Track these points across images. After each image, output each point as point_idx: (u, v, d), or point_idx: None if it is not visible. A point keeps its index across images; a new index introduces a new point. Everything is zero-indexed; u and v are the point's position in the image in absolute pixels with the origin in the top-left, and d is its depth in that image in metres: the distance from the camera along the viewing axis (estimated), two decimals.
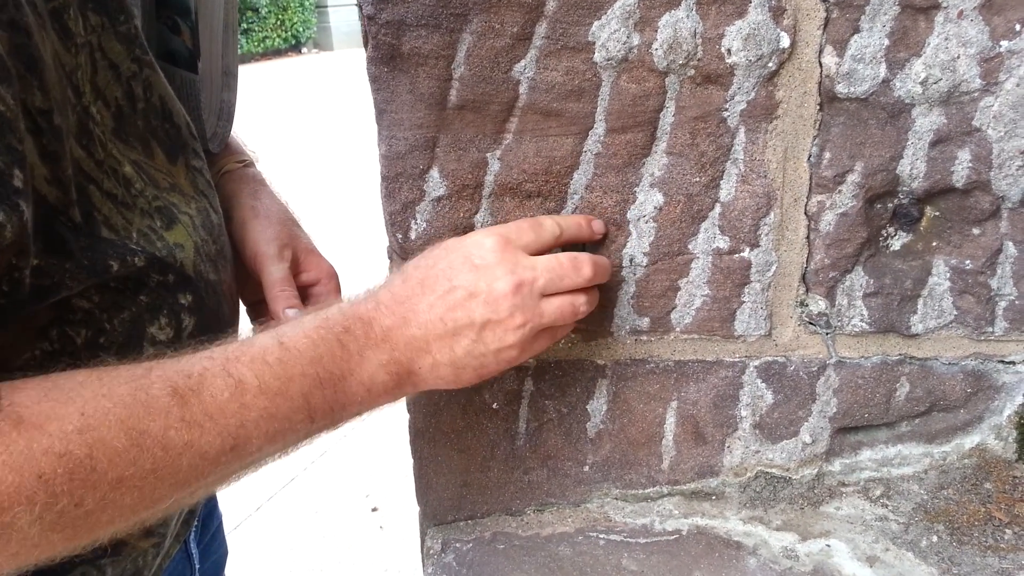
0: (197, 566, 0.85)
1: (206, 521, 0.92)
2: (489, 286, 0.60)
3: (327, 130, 8.08)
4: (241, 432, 0.50)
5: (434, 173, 0.70)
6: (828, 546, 0.72)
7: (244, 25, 15.36)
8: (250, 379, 0.51)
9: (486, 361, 0.61)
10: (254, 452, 0.52)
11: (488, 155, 0.70)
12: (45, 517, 0.42)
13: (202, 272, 0.65)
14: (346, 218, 4.81)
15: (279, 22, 16.21)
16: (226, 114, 0.83)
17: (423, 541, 0.83)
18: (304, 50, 17.18)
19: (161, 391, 0.48)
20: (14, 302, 0.49)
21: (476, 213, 0.72)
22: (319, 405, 0.55)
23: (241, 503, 2.58)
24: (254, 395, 0.51)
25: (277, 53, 16.37)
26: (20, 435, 0.41)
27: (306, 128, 8.33)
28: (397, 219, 0.72)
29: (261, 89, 11.29)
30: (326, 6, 17.28)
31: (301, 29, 16.85)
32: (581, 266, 0.64)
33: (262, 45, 15.81)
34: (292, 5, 16.43)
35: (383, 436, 2.91)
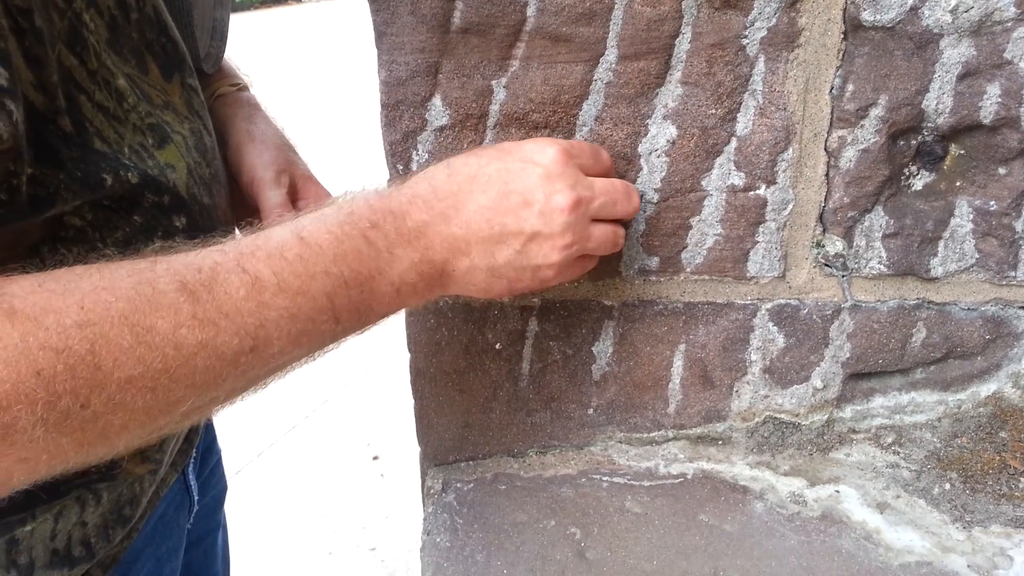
0: (196, 498, 0.84)
1: (205, 455, 0.91)
2: (547, 197, 0.56)
3: (327, 78, 7.97)
4: (261, 332, 0.47)
5: (436, 101, 0.67)
6: (837, 492, 0.71)
7: None
8: (268, 276, 0.47)
9: (523, 275, 0.58)
10: (277, 355, 0.49)
11: (493, 83, 0.66)
12: (49, 418, 0.39)
13: (196, 195, 0.63)
14: (346, 166, 4.76)
15: None
16: (219, 33, 0.80)
17: (423, 481, 0.82)
18: None
19: (168, 286, 0.44)
20: (12, 211, 0.47)
21: (480, 144, 0.69)
22: (344, 305, 0.51)
23: (243, 448, 2.59)
24: (273, 294, 0.47)
25: (277, 1, 16.09)
26: (14, 328, 0.38)
27: (306, 76, 8.21)
28: (398, 149, 0.69)
29: (261, 37, 11.12)
30: None
31: None
32: (632, 195, 0.61)
33: None
34: None
35: (385, 385, 2.91)
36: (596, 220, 0.60)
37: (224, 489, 0.99)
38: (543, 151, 0.58)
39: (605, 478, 0.76)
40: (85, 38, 0.54)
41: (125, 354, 0.41)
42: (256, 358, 0.47)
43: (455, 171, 0.57)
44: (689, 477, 0.75)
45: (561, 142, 0.59)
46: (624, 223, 0.71)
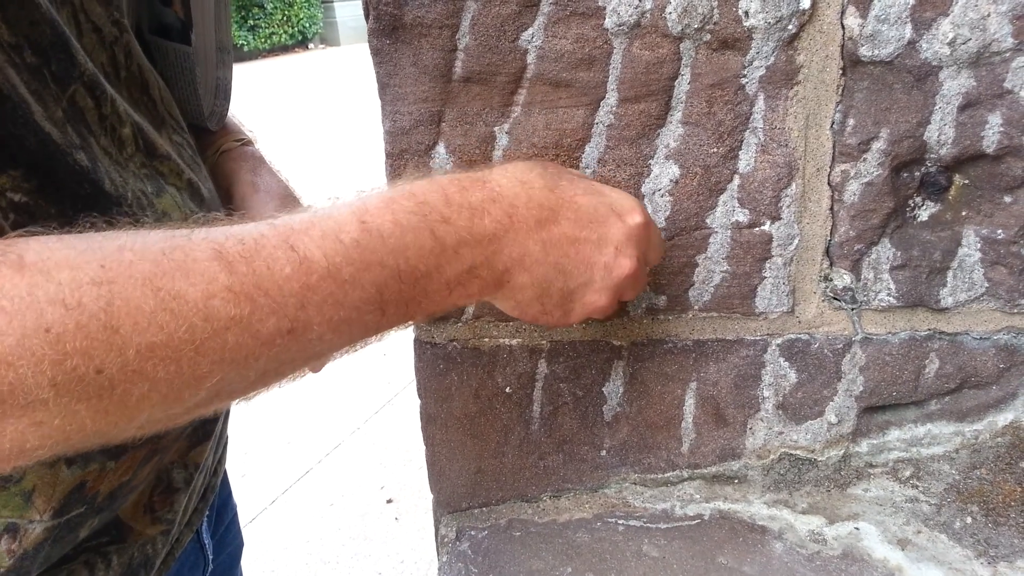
0: (211, 557, 0.83)
1: (220, 512, 0.90)
2: (616, 256, 0.56)
3: (335, 125, 8.07)
4: (301, 315, 0.43)
5: (440, 149, 0.68)
6: (857, 529, 0.70)
7: (250, 22, 15.38)
8: (318, 258, 0.44)
9: (554, 311, 0.57)
10: (315, 341, 0.45)
11: (496, 129, 0.67)
12: (58, 379, 0.36)
13: None
14: None
15: (285, 18, 16.22)
16: (223, 92, 0.81)
17: (437, 529, 0.81)
18: (311, 46, 17.17)
19: (203, 254, 0.41)
20: None
21: None
22: (393, 299, 0.47)
23: (256, 496, 2.57)
24: (320, 277, 0.43)
25: (284, 49, 16.37)
26: (21, 279, 0.36)
27: (314, 123, 8.31)
28: None
29: (269, 85, 11.29)
30: (332, 1, 17.27)
31: (307, 25, 16.84)
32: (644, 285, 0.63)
33: (269, 41, 15.81)
34: (298, 1, 16.42)
35: (397, 428, 2.90)
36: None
37: (240, 546, 0.98)
38: (632, 213, 0.58)
39: (621, 521, 0.75)
40: (103, 84, 0.55)
41: (146, 318, 0.38)
42: (293, 342, 0.44)
43: (552, 184, 0.56)
44: (706, 518, 0.74)
45: (646, 211, 0.59)
46: None
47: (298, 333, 0.43)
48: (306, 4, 16.68)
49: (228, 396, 0.45)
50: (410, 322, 0.51)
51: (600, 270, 0.56)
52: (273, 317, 0.42)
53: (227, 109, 0.85)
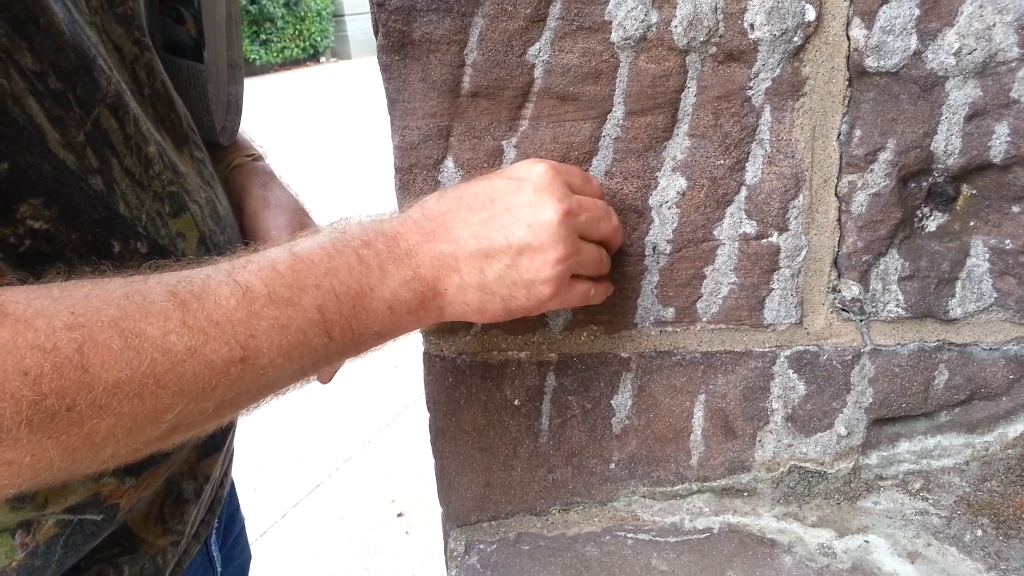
0: (219, 569, 0.84)
1: (228, 525, 0.91)
2: (535, 210, 0.56)
3: (346, 137, 8.11)
4: (251, 343, 0.47)
5: (449, 163, 0.68)
6: (867, 542, 0.69)
7: (262, 36, 15.51)
8: (259, 287, 0.48)
9: (517, 293, 0.57)
10: (267, 367, 0.48)
11: (504, 143, 0.68)
12: (34, 419, 0.39)
13: None
14: None
15: (297, 32, 16.35)
16: (234, 108, 0.83)
17: (446, 543, 0.81)
18: (322, 59, 17.30)
19: (160, 295, 0.45)
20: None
21: None
22: (336, 320, 0.51)
23: (267, 510, 2.58)
24: (263, 304, 0.47)
25: (296, 63, 16.50)
26: (4, 328, 0.39)
27: (326, 136, 8.36)
28: None
29: (281, 99, 11.37)
30: (343, 15, 17.40)
31: (319, 39, 16.97)
32: (612, 215, 0.62)
33: (280, 55, 15.94)
34: (309, 15, 16.56)
35: (407, 441, 2.90)
36: (584, 237, 0.60)
37: (248, 559, 0.98)
38: (531, 168, 0.59)
39: (630, 535, 0.75)
40: (127, 104, 0.56)
41: (113, 357, 0.41)
42: (246, 369, 0.47)
43: (444, 195, 0.59)
44: (715, 531, 0.74)
45: (550, 161, 0.60)
46: (633, 275, 0.71)
47: (250, 360, 0.47)
48: (317, 18, 16.82)
49: (187, 429, 0.47)
50: (364, 347, 0.54)
51: (526, 230, 0.56)
52: (225, 346, 0.45)
53: (238, 124, 0.87)
